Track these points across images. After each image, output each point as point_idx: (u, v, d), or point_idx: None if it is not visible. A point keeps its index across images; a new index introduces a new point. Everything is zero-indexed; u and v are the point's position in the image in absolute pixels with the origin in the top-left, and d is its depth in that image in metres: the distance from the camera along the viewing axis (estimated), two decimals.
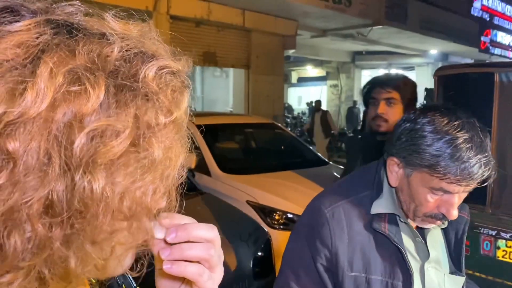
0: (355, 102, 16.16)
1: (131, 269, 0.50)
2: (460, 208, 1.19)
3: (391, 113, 2.14)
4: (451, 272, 1.25)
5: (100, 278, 0.49)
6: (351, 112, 15.36)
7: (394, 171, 1.17)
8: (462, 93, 2.64)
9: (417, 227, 1.23)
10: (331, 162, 5.38)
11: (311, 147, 6.07)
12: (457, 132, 1.04)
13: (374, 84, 2.25)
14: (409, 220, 1.20)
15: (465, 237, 1.24)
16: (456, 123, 1.05)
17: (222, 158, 4.50)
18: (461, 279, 1.25)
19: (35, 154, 0.35)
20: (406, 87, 2.17)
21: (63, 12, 0.41)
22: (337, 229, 1.20)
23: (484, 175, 1.03)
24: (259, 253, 3.00)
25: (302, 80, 21.09)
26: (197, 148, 4.40)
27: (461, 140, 1.03)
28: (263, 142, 5.82)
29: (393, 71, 18.40)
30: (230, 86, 12.02)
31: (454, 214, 1.09)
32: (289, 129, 12.75)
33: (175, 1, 7.79)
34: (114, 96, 0.38)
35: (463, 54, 15.87)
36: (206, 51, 8.97)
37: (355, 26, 10.72)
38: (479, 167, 1.02)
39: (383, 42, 13.37)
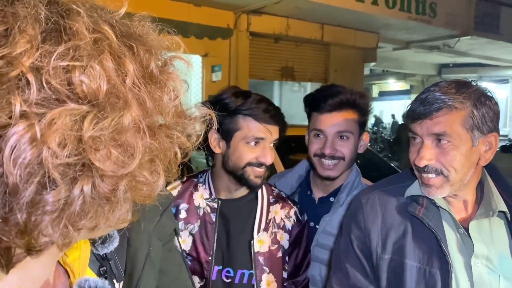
0: None
1: None
2: None
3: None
4: None
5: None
6: None
7: None
8: None
9: (464, 222, 1.19)
10: None
11: (392, 163, 5.85)
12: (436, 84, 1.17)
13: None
14: (451, 210, 1.18)
15: None
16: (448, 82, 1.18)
17: None
18: None
19: None
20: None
21: None
22: (371, 212, 1.25)
23: (419, 110, 1.12)
24: None
25: (383, 94, 20.46)
26: None
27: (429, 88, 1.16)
28: None
29: (485, 84, 17.17)
30: None
31: (421, 161, 1.14)
32: (369, 144, 12.36)
33: (255, 18, 8.03)
34: None
35: None
36: (284, 65, 9.10)
37: (440, 37, 10.23)
38: (418, 102, 1.13)
39: (473, 54, 12.58)
